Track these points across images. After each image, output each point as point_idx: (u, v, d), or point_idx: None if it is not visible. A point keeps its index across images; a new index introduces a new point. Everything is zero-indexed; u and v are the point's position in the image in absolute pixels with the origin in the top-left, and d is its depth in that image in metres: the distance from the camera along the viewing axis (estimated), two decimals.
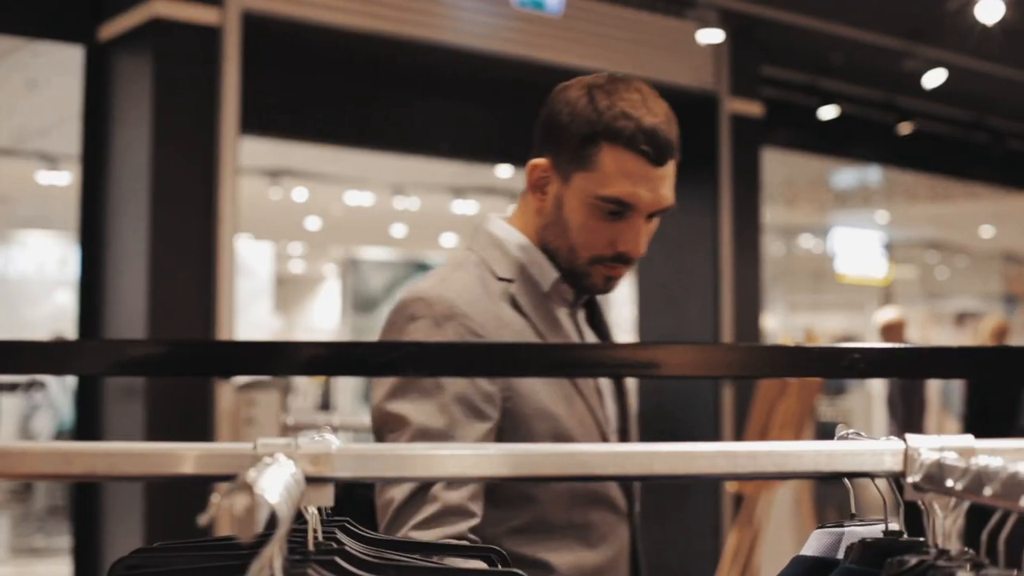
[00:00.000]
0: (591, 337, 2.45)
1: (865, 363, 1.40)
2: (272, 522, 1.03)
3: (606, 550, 2.30)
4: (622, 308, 17.54)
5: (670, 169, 2.21)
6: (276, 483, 1.06)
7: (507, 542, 2.12)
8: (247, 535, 0.98)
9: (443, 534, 2.01)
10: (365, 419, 3.93)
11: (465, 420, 2.09)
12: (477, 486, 2.07)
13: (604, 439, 2.32)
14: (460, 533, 2.03)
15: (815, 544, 1.64)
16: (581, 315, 2.44)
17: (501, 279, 2.30)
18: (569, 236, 2.26)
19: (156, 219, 5.86)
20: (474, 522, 2.06)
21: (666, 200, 2.21)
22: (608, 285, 2.32)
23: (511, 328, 2.25)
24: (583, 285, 2.33)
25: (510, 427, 2.16)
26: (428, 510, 2.02)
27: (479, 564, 1.54)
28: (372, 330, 12.76)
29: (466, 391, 2.10)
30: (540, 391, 2.21)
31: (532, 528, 2.20)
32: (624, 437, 2.46)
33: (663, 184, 2.20)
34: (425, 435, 2.05)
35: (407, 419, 2.08)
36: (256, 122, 6.74)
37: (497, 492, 2.15)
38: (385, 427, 2.13)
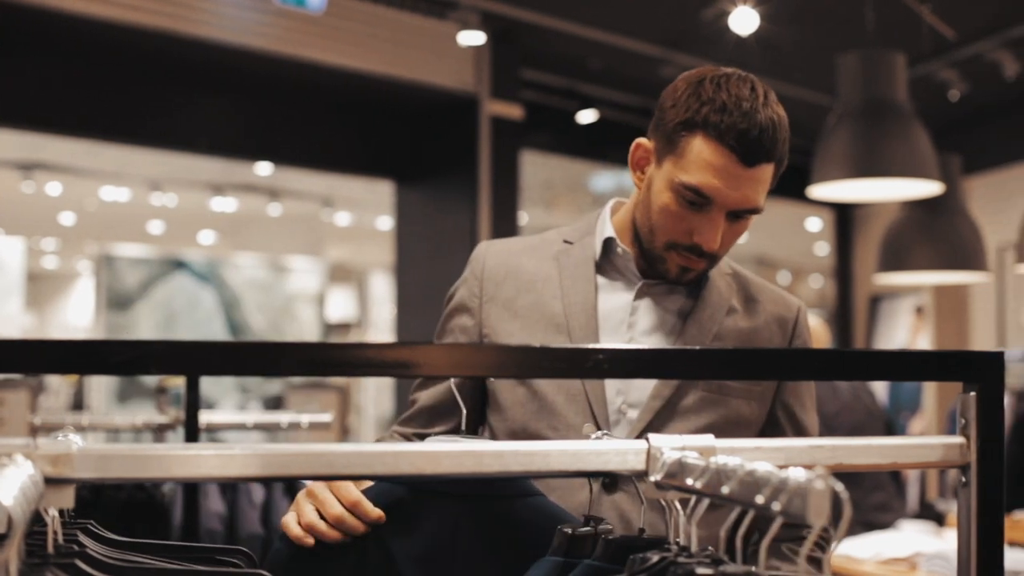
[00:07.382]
0: (645, 319, 2.37)
1: (609, 363, 1.42)
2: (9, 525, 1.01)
3: None
4: (382, 307, 17.51)
5: (762, 172, 2.19)
6: (11, 484, 1.03)
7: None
8: None
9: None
10: (117, 419, 3.86)
11: None
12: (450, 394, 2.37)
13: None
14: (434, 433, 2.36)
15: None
16: (669, 300, 2.40)
17: (565, 241, 2.46)
18: (651, 217, 2.29)
19: None
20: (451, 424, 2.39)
21: (750, 202, 2.19)
22: (682, 275, 2.33)
23: (524, 278, 2.42)
24: (657, 269, 2.34)
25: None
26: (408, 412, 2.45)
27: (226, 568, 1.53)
28: (127, 328, 12.44)
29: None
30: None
31: None
32: None
33: (750, 185, 2.18)
34: None
35: None
36: (8, 113, 6.57)
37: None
38: None
